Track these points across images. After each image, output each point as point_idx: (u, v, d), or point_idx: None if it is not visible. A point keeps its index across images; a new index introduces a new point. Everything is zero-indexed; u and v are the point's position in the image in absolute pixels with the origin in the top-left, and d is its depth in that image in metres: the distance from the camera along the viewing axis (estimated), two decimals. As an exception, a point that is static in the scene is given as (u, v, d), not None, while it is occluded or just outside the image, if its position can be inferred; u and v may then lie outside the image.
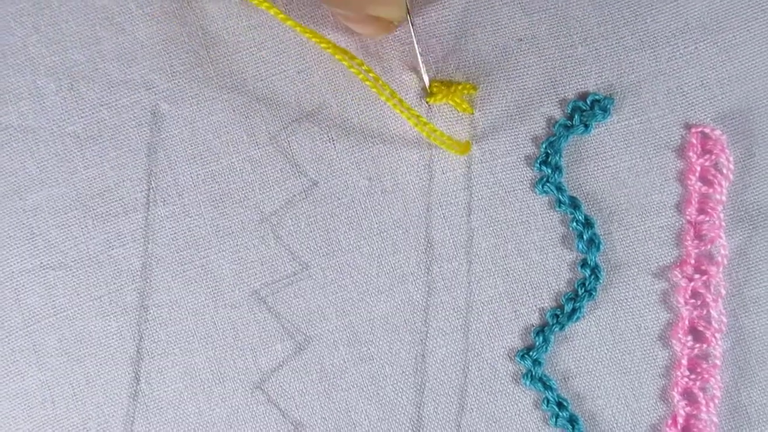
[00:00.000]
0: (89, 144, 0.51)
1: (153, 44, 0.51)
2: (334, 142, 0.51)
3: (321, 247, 0.51)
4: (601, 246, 0.50)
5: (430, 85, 0.51)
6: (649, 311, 0.50)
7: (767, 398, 0.49)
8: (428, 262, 0.51)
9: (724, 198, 0.50)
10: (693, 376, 0.49)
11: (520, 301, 0.50)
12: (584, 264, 0.50)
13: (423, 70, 0.50)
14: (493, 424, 0.50)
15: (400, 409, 0.50)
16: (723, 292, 0.50)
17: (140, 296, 0.50)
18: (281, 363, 0.50)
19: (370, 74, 0.49)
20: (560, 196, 0.50)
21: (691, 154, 0.50)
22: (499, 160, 0.51)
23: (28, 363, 0.50)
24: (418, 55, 0.49)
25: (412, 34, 0.49)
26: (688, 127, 0.51)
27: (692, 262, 0.50)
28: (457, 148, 0.50)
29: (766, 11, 0.51)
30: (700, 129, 0.50)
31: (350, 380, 0.50)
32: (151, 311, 0.50)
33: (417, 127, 0.49)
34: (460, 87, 0.51)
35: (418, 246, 0.51)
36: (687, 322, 0.50)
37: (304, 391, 0.50)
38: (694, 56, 0.51)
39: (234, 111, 0.51)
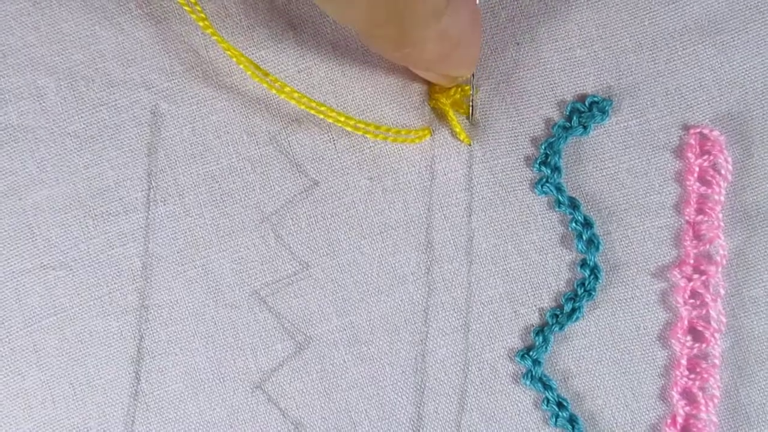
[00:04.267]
0: (89, 143, 0.51)
1: (153, 44, 0.51)
2: (335, 141, 0.51)
3: (321, 247, 0.51)
4: (600, 246, 0.50)
5: (430, 89, 0.51)
6: (649, 311, 0.50)
7: (766, 398, 0.50)
8: (429, 263, 0.51)
9: (722, 198, 0.50)
10: (692, 376, 0.49)
11: (520, 301, 0.50)
12: (583, 264, 0.50)
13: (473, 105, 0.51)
14: (493, 424, 0.50)
15: (400, 409, 0.50)
16: (722, 292, 0.50)
17: (141, 296, 0.50)
18: (281, 363, 0.50)
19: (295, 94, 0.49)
20: (559, 197, 0.50)
21: (689, 154, 0.50)
22: (499, 161, 0.51)
23: (29, 363, 0.50)
24: (472, 99, 0.51)
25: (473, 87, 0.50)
26: (686, 128, 0.51)
27: (691, 262, 0.50)
28: (417, 136, 0.50)
29: (763, 13, 0.51)
30: (698, 130, 0.51)
31: (350, 380, 0.50)
32: (152, 311, 0.50)
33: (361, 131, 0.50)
34: (460, 90, 0.51)
35: (418, 246, 0.51)
36: (686, 322, 0.50)
37: (305, 390, 0.50)
38: (692, 58, 0.51)
39: (234, 110, 0.51)
